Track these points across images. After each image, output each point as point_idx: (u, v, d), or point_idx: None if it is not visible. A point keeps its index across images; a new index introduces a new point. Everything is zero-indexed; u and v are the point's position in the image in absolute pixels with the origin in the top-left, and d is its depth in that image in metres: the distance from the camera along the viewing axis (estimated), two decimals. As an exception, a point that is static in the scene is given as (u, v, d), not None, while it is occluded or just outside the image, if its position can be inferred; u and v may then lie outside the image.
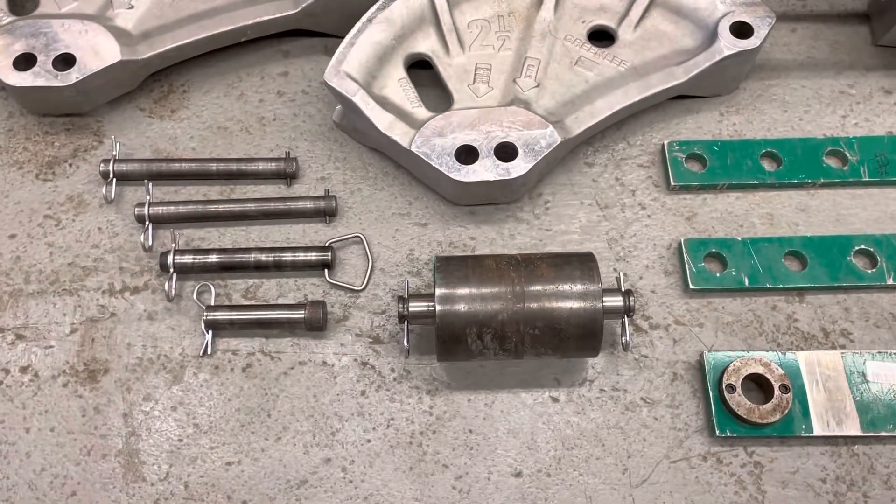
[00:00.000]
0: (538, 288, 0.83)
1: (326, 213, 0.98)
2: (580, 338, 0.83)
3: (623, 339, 0.86)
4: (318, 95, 1.08)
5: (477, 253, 0.97)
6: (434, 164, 0.93)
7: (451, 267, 0.86)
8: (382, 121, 0.96)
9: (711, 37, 1.01)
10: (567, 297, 0.83)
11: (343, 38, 1.01)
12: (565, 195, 1.02)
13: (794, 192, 1.01)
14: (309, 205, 0.98)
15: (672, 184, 1.00)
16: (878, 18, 1.10)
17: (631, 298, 0.85)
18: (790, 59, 1.10)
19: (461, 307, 0.83)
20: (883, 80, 1.08)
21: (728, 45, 0.99)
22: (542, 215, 1.00)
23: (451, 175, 0.93)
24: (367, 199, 1.01)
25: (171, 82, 1.09)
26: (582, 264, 0.85)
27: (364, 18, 1.00)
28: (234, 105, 1.07)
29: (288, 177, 1.01)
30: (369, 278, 0.96)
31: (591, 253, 0.87)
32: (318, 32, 1.11)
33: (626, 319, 0.86)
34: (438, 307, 0.83)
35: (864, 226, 0.98)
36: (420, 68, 1.05)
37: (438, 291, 0.84)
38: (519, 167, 0.93)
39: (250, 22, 1.03)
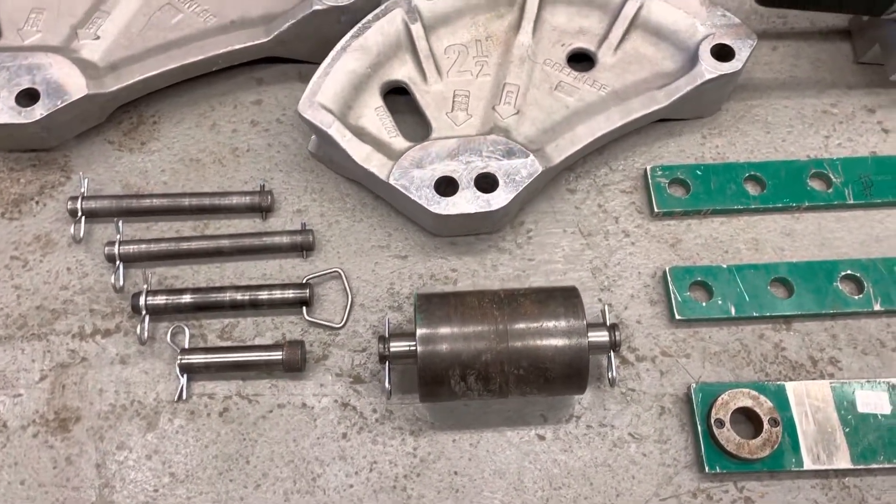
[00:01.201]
0: (522, 326, 0.81)
1: (303, 248, 0.96)
2: (566, 377, 0.81)
3: (609, 374, 0.84)
4: (293, 124, 1.05)
5: (459, 286, 0.95)
6: (413, 197, 0.91)
7: (433, 306, 0.83)
8: (359, 153, 0.93)
9: (692, 59, 0.99)
10: (552, 335, 0.81)
11: (318, 64, 0.99)
12: (548, 223, 1.00)
13: (779, 216, 0.99)
14: (285, 240, 0.95)
15: (655, 210, 0.98)
16: (860, 36, 1.09)
17: (617, 333, 0.84)
18: (772, 79, 1.09)
19: (443, 347, 0.80)
20: (865, 99, 1.07)
21: (709, 68, 0.97)
22: (525, 244, 0.98)
23: (431, 208, 0.90)
24: (346, 231, 0.99)
25: (140, 113, 1.05)
26: (566, 300, 0.83)
27: (338, 47, 0.98)
28: (207, 136, 1.04)
29: (263, 210, 0.98)
30: (349, 315, 0.93)
31: (575, 287, 0.85)
32: (292, 59, 1.08)
33: (613, 354, 0.85)
34: (420, 348, 0.81)
35: (850, 249, 0.97)
36: (398, 94, 1.03)
37: (419, 331, 0.81)
38: (500, 198, 0.91)
39: (221, 51, 1.00)
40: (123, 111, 1.05)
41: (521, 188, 0.92)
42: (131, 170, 1.02)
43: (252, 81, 1.08)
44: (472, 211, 0.91)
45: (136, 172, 1.02)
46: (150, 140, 1.04)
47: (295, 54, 1.06)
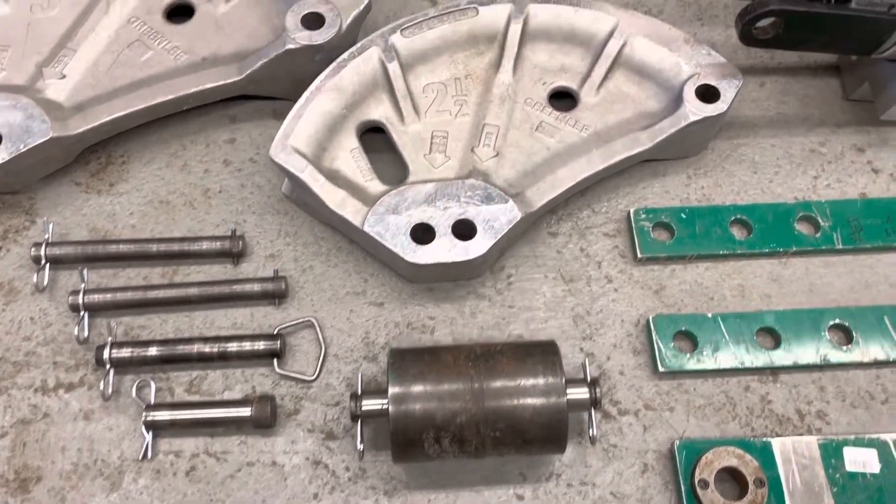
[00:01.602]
0: (499, 385, 0.78)
1: (275, 296, 0.92)
2: (544, 438, 0.78)
3: (590, 431, 0.81)
4: (267, 164, 1.02)
5: (436, 335, 0.92)
6: (388, 245, 0.88)
7: (406, 363, 0.80)
8: (333, 198, 0.90)
9: (677, 100, 0.97)
10: (529, 395, 0.78)
11: (293, 101, 0.96)
12: (529, 268, 0.97)
13: (766, 261, 0.96)
14: (256, 288, 0.92)
15: (639, 256, 0.95)
16: (849, 72, 1.06)
17: (597, 389, 0.81)
18: (759, 116, 1.06)
19: (417, 407, 0.77)
20: (854, 137, 1.05)
21: (693, 110, 0.94)
22: (505, 291, 0.95)
23: (407, 257, 0.87)
24: (320, 277, 0.96)
25: (109, 153, 1.02)
26: (544, 356, 0.80)
27: (312, 87, 0.95)
28: (178, 176, 1.01)
29: (234, 256, 0.95)
30: (321, 366, 0.90)
31: (554, 343, 0.82)
32: (266, 96, 1.05)
33: (593, 411, 0.82)
34: (392, 408, 0.78)
35: (839, 296, 0.95)
36: (375, 132, 1.00)
37: (392, 390, 0.78)
38: (478, 246, 0.88)
39: (192, 90, 0.97)
40: (92, 151, 1.02)
41: (499, 236, 0.89)
42: (99, 213, 0.99)
43: (225, 119, 1.05)
44: (449, 260, 0.88)
45: (103, 215, 0.98)
46: (118, 181, 1.00)
47: (269, 92, 1.03)
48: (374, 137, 1.00)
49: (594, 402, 0.81)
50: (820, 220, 0.97)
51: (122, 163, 1.02)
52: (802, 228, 0.97)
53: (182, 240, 0.95)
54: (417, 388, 0.78)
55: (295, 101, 0.96)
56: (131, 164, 1.02)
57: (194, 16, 1.03)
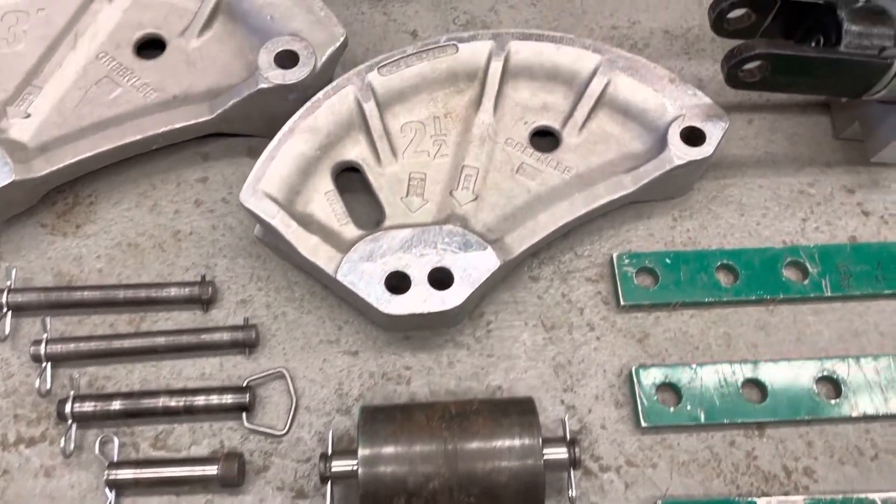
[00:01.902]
0: (473, 447, 0.75)
1: (246, 346, 0.89)
2: (521, 503, 0.76)
3: (570, 492, 0.78)
4: (240, 204, 0.98)
5: (413, 386, 0.89)
6: (362, 295, 0.85)
7: (377, 423, 0.77)
8: (306, 245, 0.87)
9: (661, 141, 0.94)
10: (505, 457, 0.75)
11: (268, 138, 0.93)
12: (509, 314, 0.94)
13: (753, 309, 0.94)
14: (225, 337, 0.89)
15: (622, 303, 0.93)
16: (839, 111, 1.03)
17: (576, 449, 0.78)
18: (747, 155, 1.04)
19: (388, 471, 0.74)
20: (844, 178, 1.02)
21: (678, 154, 0.91)
22: (484, 338, 0.92)
23: (381, 308, 0.84)
24: (292, 324, 0.92)
25: (76, 193, 0.99)
26: (521, 416, 0.77)
27: (285, 129, 0.92)
28: (147, 217, 0.98)
29: (204, 303, 0.92)
30: (293, 420, 0.87)
31: (531, 400, 0.79)
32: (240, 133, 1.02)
33: (572, 471, 0.79)
34: (362, 471, 0.75)
35: (828, 345, 0.92)
36: (352, 170, 0.97)
37: (362, 452, 0.75)
38: (455, 296, 0.85)
39: (161, 130, 0.94)
40: (58, 191, 0.98)
41: (477, 285, 0.86)
42: (65, 256, 0.95)
43: (197, 157, 1.02)
44: (425, 311, 0.85)
45: (69, 259, 0.95)
46: (85, 223, 0.97)
47: (242, 130, 1.00)
48: (351, 176, 0.97)
49: (573, 463, 0.78)
50: (808, 266, 0.94)
51: (90, 203, 0.98)
52: (790, 274, 0.95)
53: (149, 286, 0.92)
54: (389, 450, 0.75)
55: (270, 138, 0.93)
56: (99, 204, 0.98)
57: (165, 51, 1.00)
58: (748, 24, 0.92)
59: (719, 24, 0.91)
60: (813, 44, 0.91)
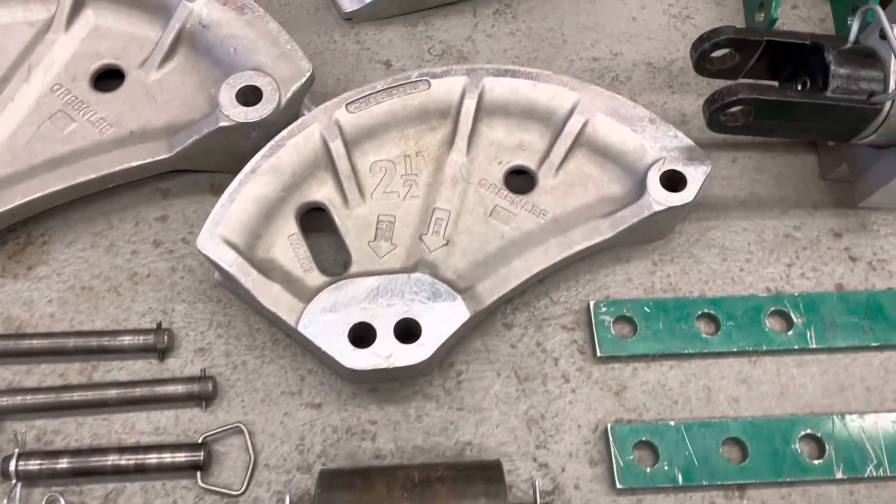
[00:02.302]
0: (436, 519, 0.71)
1: (202, 399, 0.85)
2: (486, 577, 0.72)
3: (539, 561, 0.75)
4: (201, 245, 0.95)
5: (378, 442, 0.84)
6: (324, 349, 0.81)
7: (335, 492, 0.73)
8: (266, 294, 0.83)
9: (640, 185, 0.90)
10: (470, 529, 0.71)
11: (232, 174, 0.89)
12: (480, 364, 0.90)
13: (735, 360, 0.90)
14: (181, 390, 0.84)
15: (599, 354, 0.89)
16: (827, 151, 1.00)
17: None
18: (730, 196, 1.00)
19: (346, 543, 0.71)
20: (831, 221, 0.98)
21: (658, 199, 0.87)
22: (454, 390, 0.88)
23: (344, 362, 0.80)
24: (253, 374, 0.88)
25: (28, 232, 0.94)
26: (488, 485, 0.73)
27: (246, 169, 0.87)
28: (103, 259, 0.93)
29: (160, 352, 0.87)
30: (250, 478, 0.82)
31: (499, 465, 0.75)
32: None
33: (542, 539, 0.75)
34: (319, 543, 0.71)
35: (812, 399, 0.88)
36: (318, 209, 0.93)
37: (319, 524, 0.71)
38: (422, 350, 0.81)
39: (118, 169, 0.89)
40: (9, 230, 0.93)
41: (446, 338, 0.82)
42: (14, 300, 0.90)
43: (157, 194, 0.97)
44: (390, 366, 0.81)
45: (19, 303, 0.90)
46: (37, 264, 0.93)
47: (203, 167, 0.96)
48: (316, 215, 0.92)
49: (543, 531, 0.75)
50: (793, 316, 0.90)
51: (43, 243, 0.94)
52: (774, 324, 0.91)
53: (102, 334, 0.87)
54: (347, 522, 0.72)
55: (234, 174, 0.89)
56: (52, 244, 0.94)
57: (124, 83, 0.95)
58: (732, 64, 0.88)
59: (702, 63, 0.87)
60: (799, 86, 0.88)
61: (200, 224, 0.94)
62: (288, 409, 0.86)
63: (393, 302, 0.83)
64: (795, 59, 0.87)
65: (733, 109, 0.83)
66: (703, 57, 0.87)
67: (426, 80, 0.94)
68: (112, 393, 0.84)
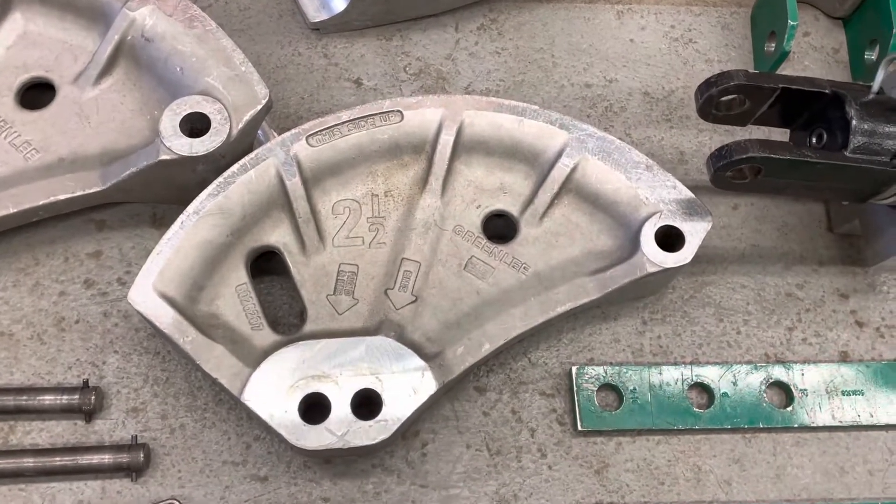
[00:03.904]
0: None
1: (132, 470, 0.75)
2: None
3: None
4: (140, 287, 0.84)
5: (329, 523, 0.76)
6: (271, 425, 0.71)
7: None
8: (207, 357, 0.73)
9: (633, 240, 0.80)
10: None
11: (176, 204, 0.78)
12: (449, 434, 0.81)
13: (729, 437, 0.82)
14: (107, 460, 0.74)
15: (580, 428, 0.80)
16: (838, 203, 0.91)
17: None
18: (730, 248, 0.91)
19: None
20: (838, 280, 0.90)
21: (652, 260, 0.78)
22: (418, 463, 0.79)
23: (293, 440, 0.71)
24: (192, 440, 0.78)
25: (-59, 268, 0.84)
26: None
27: (189, 210, 0.77)
28: (25, 300, 0.82)
29: (86, 413, 0.77)
30: (184, 565, 0.74)
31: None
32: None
33: None
34: None
35: (810, 482, 0.80)
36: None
37: None
38: (382, 428, 0.72)
39: (42, 202, 0.78)
40: (-81, 264, 0.83)
41: (410, 412, 0.73)
42: (-78, 346, 0.80)
43: (91, 225, 0.86)
44: (345, 446, 0.71)
45: (-73, 350, 0.80)
46: (-50, 305, 0.82)
47: (142, 200, 0.85)
48: (269, 256, 0.82)
49: None
50: (793, 390, 0.82)
51: (-43, 280, 0.83)
52: (773, 397, 0.83)
53: (20, 391, 0.77)
54: None
55: (179, 204, 0.78)
56: (-32, 281, 0.83)
57: (54, 100, 0.84)
58: (741, 110, 0.79)
59: (707, 109, 0.78)
60: (814, 138, 0.79)
61: (138, 262, 0.85)
62: (230, 482, 0.77)
63: (351, 370, 0.74)
64: (811, 108, 0.78)
65: (741, 166, 0.74)
66: (710, 102, 0.77)
67: (398, 111, 0.83)
68: (29, 462, 0.74)
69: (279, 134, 0.83)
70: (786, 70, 1.00)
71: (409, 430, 0.80)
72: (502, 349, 0.79)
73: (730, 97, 0.78)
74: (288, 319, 0.83)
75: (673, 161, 0.94)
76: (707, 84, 0.76)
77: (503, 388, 0.83)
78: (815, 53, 1.03)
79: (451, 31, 1.00)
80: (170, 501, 0.75)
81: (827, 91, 0.76)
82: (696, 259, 0.88)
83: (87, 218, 0.86)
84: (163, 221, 0.87)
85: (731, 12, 1.04)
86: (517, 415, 0.82)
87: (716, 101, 0.77)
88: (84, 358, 0.81)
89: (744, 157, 0.71)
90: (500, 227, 0.85)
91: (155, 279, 0.74)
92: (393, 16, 0.99)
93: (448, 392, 0.81)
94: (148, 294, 0.73)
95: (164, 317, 0.73)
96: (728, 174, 0.75)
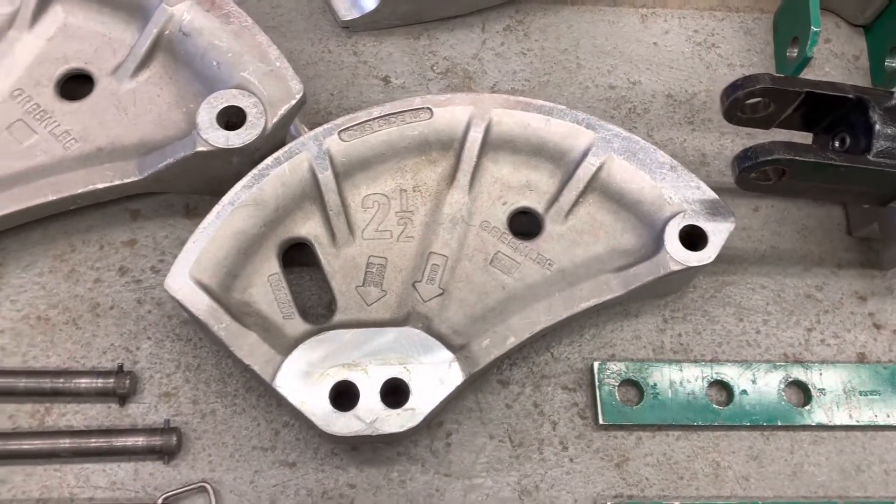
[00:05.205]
0: None
1: (164, 453, 0.77)
2: None
3: None
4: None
5: (355, 509, 0.78)
6: (303, 411, 0.73)
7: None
8: (241, 344, 0.75)
9: (656, 239, 0.82)
10: None
11: (209, 195, 0.80)
12: (472, 425, 0.82)
13: (747, 434, 0.83)
14: (141, 442, 0.77)
15: (601, 422, 0.82)
16: (857, 207, 0.92)
17: None
18: (750, 249, 0.92)
19: None
20: (857, 283, 0.91)
21: (676, 258, 0.80)
22: (442, 453, 0.81)
23: (323, 427, 0.72)
24: (222, 425, 0.80)
25: (-20, 252, 0.86)
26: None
27: (224, 201, 0.79)
28: (62, 286, 0.85)
29: (120, 397, 0.79)
30: (214, 546, 0.76)
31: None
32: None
33: None
34: None
35: (827, 480, 0.82)
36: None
37: None
38: (410, 417, 0.74)
39: (81, 191, 0.80)
40: (-41, 249, 0.85)
41: (437, 402, 0.74)
42: (-39, 328, 0.83)
43: (126, 214, 0.88)
44: (374, 433, 0.73)
45: (-34, 332, 0.82)
46: (-11, 289, 0.84)
47: (178, 190, 0.87)
48: (298, 247, 0.84)
49: None
50: (811, 389, 0.84)
51: (-4, 265, 0.85)
52: (791, 396, 0.84)
53: (56, 374, 0.79)
54: None
55: (212, 195, 0.80)
56: (7, 266, 0.85)
57: (93, 91, 0.86)
58: (765, 113, 0.80)
59: (733, 111, 0.79)
60: (836, 142, 0.80)
61: (172, 251, 0.87)
62: (259, 466, 0.79)
63: (380, 359, 0.76)
64: (835, 112, 0.79)
65: (766, 167, 0.76)
66: (736, 104, 0.78)
67: (428, 108, 0.85)
68: (65, 443, 0.76)
69: (309, 129, 0.86)
70: (807, 76, 1.01)
71: (434, 420, 0.82)
72: (526, 343, 0.81)
73: (755, 100, 0.79)
74: (316, 310, 0.85)
75: (695, 163, 0.96)
76: (733, 87, 0.78)
77: (526, 381, 0.85)
78: (835, 60, 1.05)
79: (478, 31, 1.02)
80: (201, 484, 0.77)
81: (851, 96, 0.78)
82: (717, 259, 0.89)
83: (123, 207, 0.89)
84: (195, 212, 0.89)
85: (754, 17, 1.06)
86: (539, 408, 0.84)
87: (741, 103, 0.79)
88: (118, 343, 0.83)
89: (769, 158, 0.73)
90: (524, 224, 0.87)
91: (191, 267, 0.76)
92: (421, 15, 1.01)
93: (472, 384, 0.83)
94: (184, 281, 0.75)
95: (200, 303, 0.75)
96: (753, 175, 0.76)
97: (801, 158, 0.73)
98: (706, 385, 0.83)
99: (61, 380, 0.79)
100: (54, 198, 0.80)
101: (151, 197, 0.89)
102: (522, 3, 1.04)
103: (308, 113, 0.95)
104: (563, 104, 0.88)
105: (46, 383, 0.78)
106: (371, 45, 1.00)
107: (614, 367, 0.84)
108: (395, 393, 0.75)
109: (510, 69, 1.00)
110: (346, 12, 0.99)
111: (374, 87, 0.98)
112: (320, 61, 0.99)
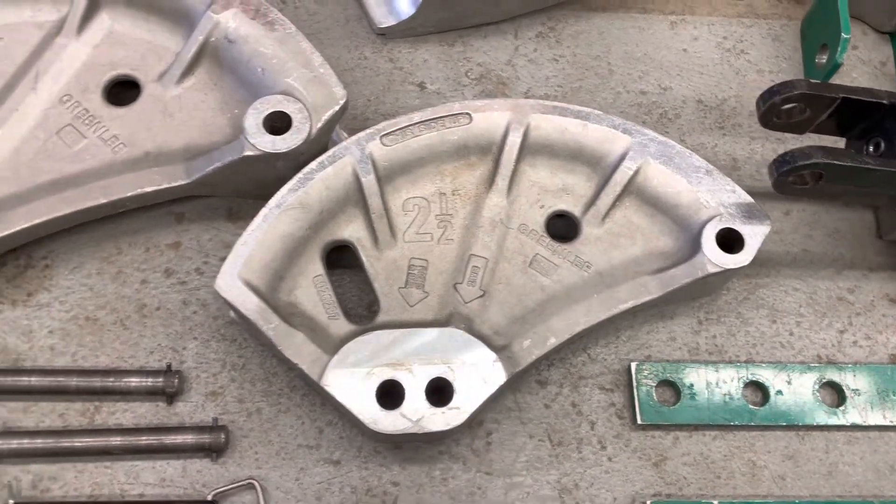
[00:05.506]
0: None
1: (213, 451, 0.79)
2: None
3: None
4: (216, 276, 0.87)
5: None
6: (351, 409, 0.75)
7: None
8: (289, 344, 0.76)
9: (693, 243, 0.84)
10: None
11: (252, 199, 0.82)
12: (512, 424, 0.84)
13: (783, 433, 0.84)
14: (190, 440, 0.78)
15: (639, 422, 0.83)
16: (888, 210, 0.93)
17: None
18: (782, 252, 0.94)
19: None
20: (888, 285, 0.93)
21: (713, 261, 0.81)
22: (483, 452, 0.83)
23: (370, 425, 0.74)
24: (268, 423, 0.82)
25: (29, 254, 0.87)
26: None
27: (271, 204, 0.80)
28: (109, 287, 0.87)
29: (168, 396, 0.81)
30: (262, 542, 0.77)
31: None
32: (220, 194, 0.91)
33: None
34: None
35: (862, 480, 0.83)
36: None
37: None
38: (456, 416, 0.75)
39: (130, 194, 0.82)
40: (9, 250, 0.87)
41: (481, 401, 0.76)
42: (13, 328, 0.84)
43: (170, 218, 0.90)
44: (420, 431, 0.75)
45: (17, 332, 0.83)
46: (38, 290, 0.86)
47: (223, 194, 0.89)
48: (340, 249, 0.86)
49: None
50: (845, 389, 0.85)
51: (45, 266, 0.87)
52: (825, 397, 0.86)
53: (107, 374, 0.81)
54: None
55: (255, 199, 0.82)
56: (55, 268, 0.87)
57: (140, 97, 0.88)
58: (800, 118, 0.82)
59: (769, 117, 0.81)
60: (871, 147, 0.82)
61: (215, 253, 0.89)
62: (304, 464, 0.81)
63: (424, 359, 0.77)
64: (869, 118, 0.81)
65: (803, 171, 0.77)
66: (772, 110, 0.80)
67: (467, 113, 0.86)
68: (116, 440, 0.78)
69: (348, 134, 0.88)
70: (835, 82, 1.03)
71: (475, 419, 0.83)
72: (566, 344, 0.82)
73: (791, 105, 0.81)
74: (357, 311, 0.87)
75: (726, 167, 0.97)
76: (770, 92, 0.79)
77: (563, 381, 0.86)
78: (862, 66, 1.06)
79: (511, 38, 1.04)
80: (248, 481, 0.79)
81: (885, 102, 0.79)
82: (750, 262, 0.92)
83: (168, 211, 0.90)
84: (238, 215, 0.90)
85: (782, 24, 1.07)
86: (577, 408, 0.85)
87: (778, 109, 0.80)
88: (164, 343, 0.84)
89: (808, 162, 0.75)
90: (562, 227, 0.88)
91: (240, 268, 0.78)
92: (455, 23, 1.03)
93: (511, 384, 0.85)
94: (234, 282, 0.77)
95: (249, 304, 0.77)
96: (790, 179, 0.78)
97: (839, 163, 0.75)
98: (742, 386, 0.85)
99: (111, 379, 0.80)
100: (105, 201, 0.82)
101: (195, 200, 0.91)
102: (554, 10, 1.06)
103: (346, 118, 0.96)
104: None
105: (97, 382, 0.80)
106: (406, 52, 1.02)
107: (651, 367, 0.85)
108: (439, 392, 0.77)
109: (543, 75, 1.02)
110: (382, 19, 1.01)
111: (410, 93, 1.00)
112: (357, 68, 1.01)
